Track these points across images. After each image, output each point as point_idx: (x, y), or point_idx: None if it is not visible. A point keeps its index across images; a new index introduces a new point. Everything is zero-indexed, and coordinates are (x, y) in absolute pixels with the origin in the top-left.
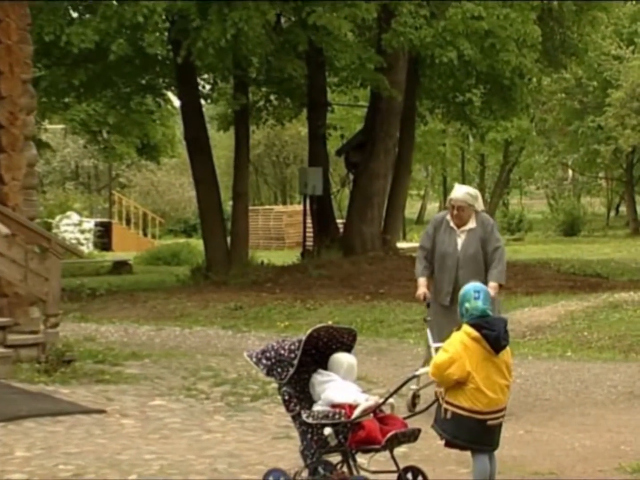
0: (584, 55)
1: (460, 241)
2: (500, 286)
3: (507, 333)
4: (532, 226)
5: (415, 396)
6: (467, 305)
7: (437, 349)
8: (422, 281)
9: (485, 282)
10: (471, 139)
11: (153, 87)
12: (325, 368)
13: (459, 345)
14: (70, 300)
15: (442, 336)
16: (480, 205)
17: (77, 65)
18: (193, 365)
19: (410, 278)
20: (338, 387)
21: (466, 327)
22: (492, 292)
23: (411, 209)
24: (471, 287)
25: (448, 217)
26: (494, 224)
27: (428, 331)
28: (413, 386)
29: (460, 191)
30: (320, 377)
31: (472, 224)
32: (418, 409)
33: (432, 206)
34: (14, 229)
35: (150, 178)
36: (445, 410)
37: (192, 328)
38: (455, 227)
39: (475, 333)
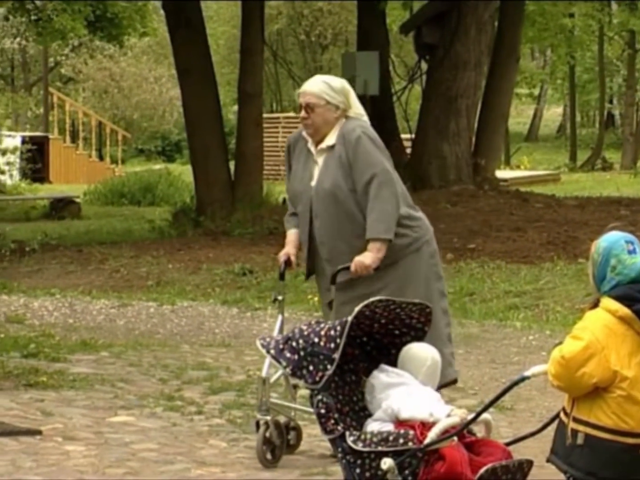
0: None
1: (317, 169)
2: (389, 241)
3: None
4: None
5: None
6: (614, 261)
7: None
8: (289, 236)
9: (358, 243)
10: (614, 7)
11: None
12: (388, 363)
13: (600, 330)
14: None
15: None
16: (354, 106)
17: None
18: (177, 361)
19: (516, 226)
20: (410, 394)
21: (608, 302)
22: (367, 260)
23: (519, 118)
24: (619, 235)
25: (305, 132)
26: (363, 134)
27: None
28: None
29: (314, 79)
30: (385, 378)
31: (331, 139)
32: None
33: (552, 113)
34: None
35: (110, 69)
36: (574, 431)
37: (176, 304)
38: (312, 148)
39: (624, 309)
